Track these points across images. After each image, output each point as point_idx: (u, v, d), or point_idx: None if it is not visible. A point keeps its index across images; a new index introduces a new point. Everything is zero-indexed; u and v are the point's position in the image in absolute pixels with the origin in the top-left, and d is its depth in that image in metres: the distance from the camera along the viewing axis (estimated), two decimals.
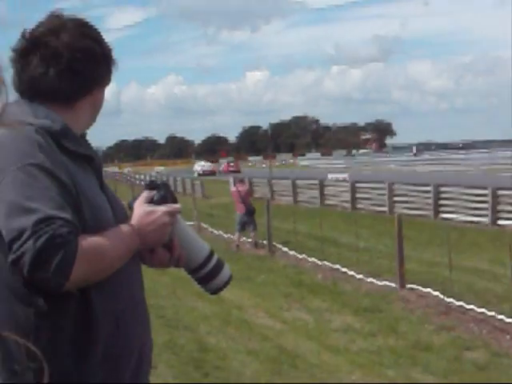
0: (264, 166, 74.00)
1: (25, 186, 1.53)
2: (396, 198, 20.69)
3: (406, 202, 20.17)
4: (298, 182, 27.14)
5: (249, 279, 11.06)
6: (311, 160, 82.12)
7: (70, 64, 1.75)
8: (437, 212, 18.74)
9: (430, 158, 60.41)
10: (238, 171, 59.97)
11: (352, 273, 10.94)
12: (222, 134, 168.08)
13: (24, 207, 1.49)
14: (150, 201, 1.78)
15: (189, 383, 6.03)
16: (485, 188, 17.16)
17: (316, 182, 25.43)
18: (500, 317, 7.78)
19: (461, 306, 8.35)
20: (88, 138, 1.89)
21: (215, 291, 1.95)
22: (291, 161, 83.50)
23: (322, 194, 24.66)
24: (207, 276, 1.90)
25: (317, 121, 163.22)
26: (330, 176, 31.20)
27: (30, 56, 1.75)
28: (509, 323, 7.60)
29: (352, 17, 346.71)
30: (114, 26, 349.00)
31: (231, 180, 20.30)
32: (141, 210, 1.75)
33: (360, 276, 10.66)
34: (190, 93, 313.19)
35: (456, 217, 17.89)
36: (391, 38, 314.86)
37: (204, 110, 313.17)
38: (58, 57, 1.74)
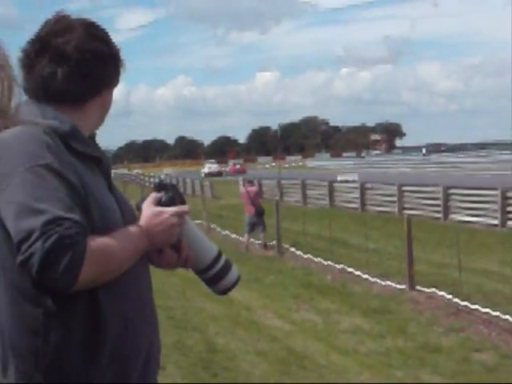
0: (267, 166, 74.19)
1: (33, 187, 1.52)
2: (405, 199, 20.66)
3: (416, 203, 20.12)
4: (308, 181, 27.19)
5: (258, 280, 11.07)
6: (320, 161, 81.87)
7: (79, 65, 1.75)
8: (446, 213, 18.69)
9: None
10: (244, 171, 61.41)
11: (361, 274, 10.92)
12: (231, 135, 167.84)
13: (33, 208, 1.49)
14: (159, 202, 1.78)
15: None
16: (495, 189, 17.09)
17: (325, 183, 25.45)
18: (510, 318, 7.74)
19: (470, 307, 8.32)
20: (98, 138, 1.90)
21: (223, 292, 1.95)
22: (300, 163, 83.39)
23: (331, 195, 24.66)
24: (215, 277, 1.91)
25: (327, 122, 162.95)
26: (339, 178, 31.33)
27: (39, 57, 1.76)
28: None
29: (361, 18, 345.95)
30: (123, 27, 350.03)
31: (240, 181, 20.30)
32: (149, 210, 1.75)
33: (369, 277, 10.65)
34: (200, 94, 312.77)
35: (465, 218, 17.81)
36: (401, 39, 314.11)
37: (213, 111, 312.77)
38: (66, 58, 1.74)
